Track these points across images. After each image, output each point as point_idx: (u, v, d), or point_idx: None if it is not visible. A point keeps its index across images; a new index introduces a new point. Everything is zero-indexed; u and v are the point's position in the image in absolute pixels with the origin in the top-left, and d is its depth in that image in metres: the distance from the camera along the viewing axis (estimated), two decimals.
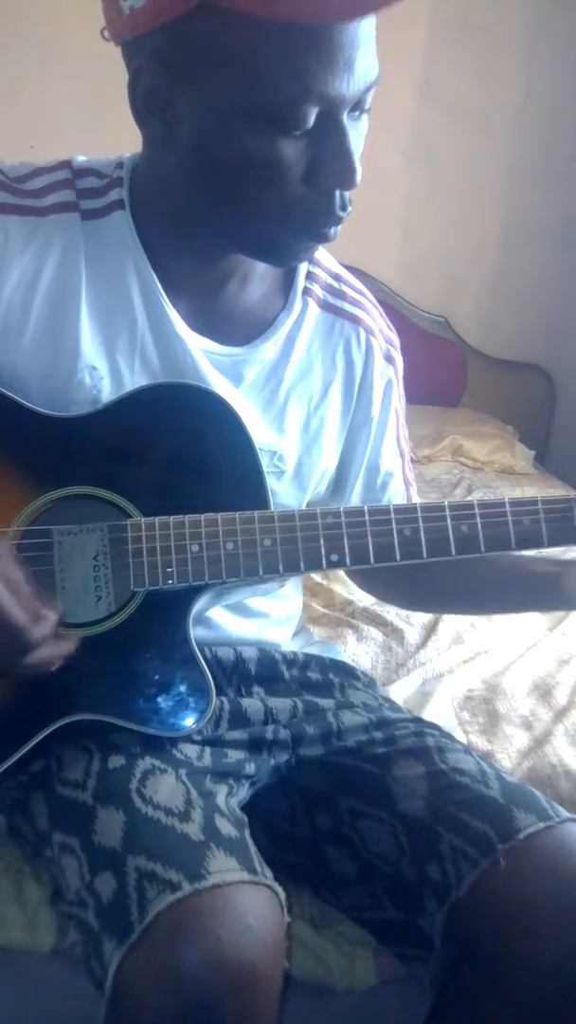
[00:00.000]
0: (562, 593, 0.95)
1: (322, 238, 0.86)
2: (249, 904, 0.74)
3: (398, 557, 0.87)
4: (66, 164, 0.92)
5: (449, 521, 0.87)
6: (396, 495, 1.10)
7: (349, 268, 1.06)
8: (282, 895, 0.77)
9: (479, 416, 2.94)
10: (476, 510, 0.87)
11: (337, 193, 0.82)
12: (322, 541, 0.86)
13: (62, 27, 2.46)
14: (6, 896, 0.98)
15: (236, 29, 0.75)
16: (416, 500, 1.12)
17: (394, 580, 1.10)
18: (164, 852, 0.76)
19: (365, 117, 0.83)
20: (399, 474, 1.10)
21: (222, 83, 0.77)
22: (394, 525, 0.87)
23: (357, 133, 0.82)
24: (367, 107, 0.82)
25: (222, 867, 0.75)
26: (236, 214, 0.84)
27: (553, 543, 0.88)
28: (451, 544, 0.87)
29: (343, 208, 0.84)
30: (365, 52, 0.78)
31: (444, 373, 2.99)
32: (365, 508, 0.87)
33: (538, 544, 0.87)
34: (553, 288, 2.96)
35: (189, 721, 0.87)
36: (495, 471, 2.69)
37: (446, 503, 0.88)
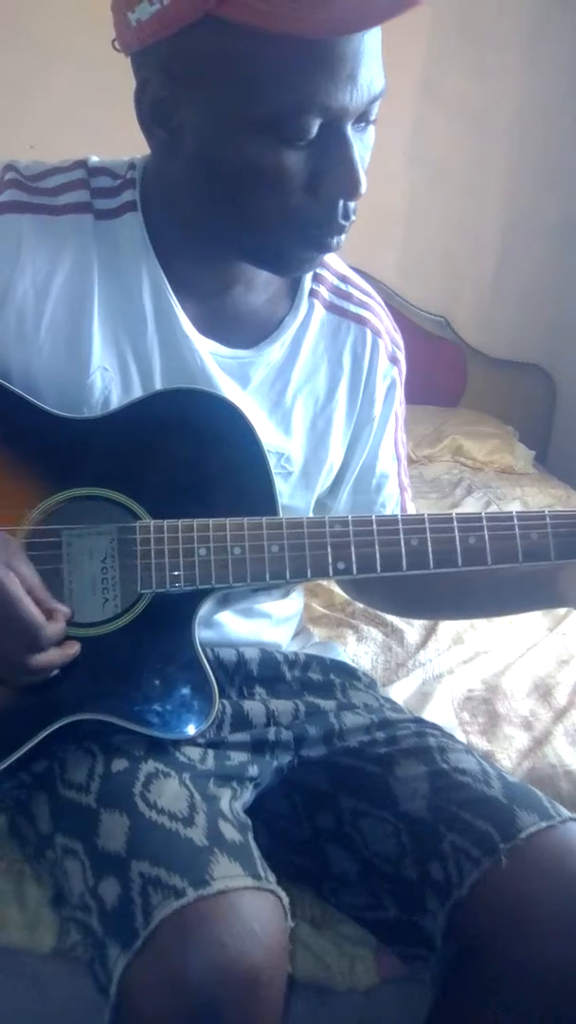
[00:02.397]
0: (558, 591, 0.95)
1: (324, 248, 0.86)
2: (253, 910, 0.74)
3: (404, 567, 0.86)
4: (81, 164, 0.92)
5: (457, 533, 0.87)
6: (390, 499, 1.09)
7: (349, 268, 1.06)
8: (286, 900, 0.78)
9: (479, 416, 2.94)
10: (484, 523, 0.87)
11: (340, 203, 0.82)
12: (329, 549, 0.86)
13: (63, 28, 2.47)
14: (6, 896, 0.98)
15: (239, 41, 0.75)
16: (411, 506, 1.12)
17: (387, 589, 1.09)
18: (168, 857, 0.76)
19: (372, 128, 0.83)
20: (394, 477, 1.09)
21: (225, 94, 0.78)
22: (401, 535, 0.87)
23: (363, 144, 0.82)
24: (373, 118, 0.82)
25: (226, 873, 0.75)
26: (239, 223, 0.85)
27: (561, 557, 0.87)
28: (458, 556, 0.86)
29: (345, 217, 0.84)
30: (369, 64, 0.78)
31: (444, 373, 2.99)
32: (373, 518, 0.87)
33: (545, 557, 0.87)
34: (553, 288, 2.96)
35: (192, 725, 0.87)
36: (495, 471, 2.69)
37: (454, 515, 0.88)
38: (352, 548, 0.86)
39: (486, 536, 0.87)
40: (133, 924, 0.73)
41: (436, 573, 0.88)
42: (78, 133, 1.97)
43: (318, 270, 1.00)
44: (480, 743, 1.31)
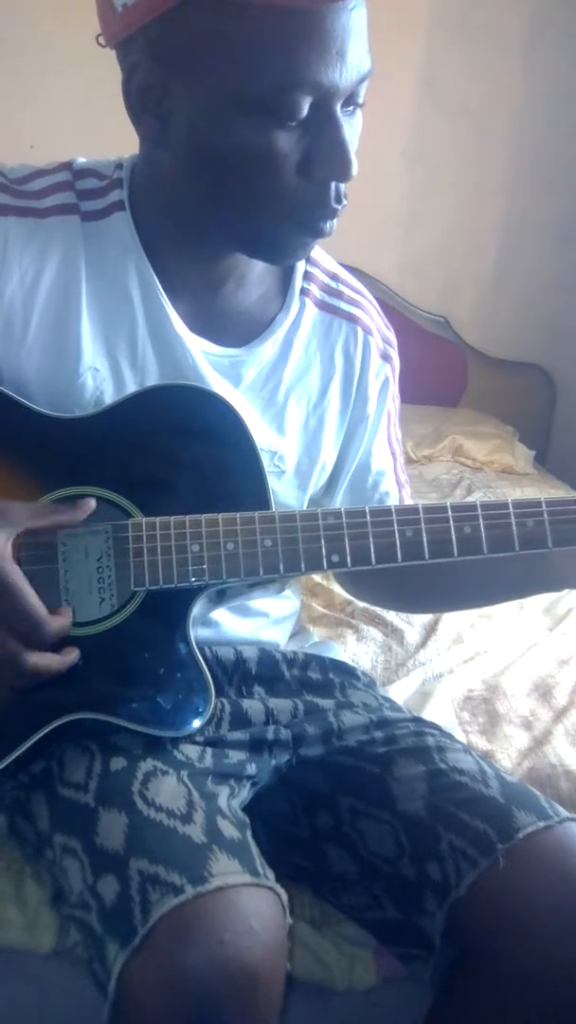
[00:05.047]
0: (556, 573, 0.94)
1: (317, 232, 0.86)
2: (252, 906, 0.74)
3: (400, 558, 0.86)
4: (66, 166, 0.92)
5: (452, 522, 0.86)
6: (388, 496, 1.09)
7: (349, 268, 1.06)
8: (284, 897, 0.78)
9: (479, 416, 2.94)
10: (479, 511, 0.86)
11: (332, 185, 0.82)
12: (323, 542, 0.86)
13: (61, 27, 2.46)
14: (6, 896, 0.98)
15: (228, 17, 0.75)
16: (409, 502, 1.12)
17: (383, 582, 1.09)
18: (166, 855, 0.76)
19: (360, 113, 0.83)
20: (390, 474, 1.09)
21: (216, 73, 0.77)
22: (396, 526, 0.86)
23: (351, 128, 0.82)
24: (360, 102, 0.82)
25: (224, 869, 0.75)
26: (232, 209, 0.84)
27: (558, 544, 0.86)
28: (453, 545, 0.86)
29: (338, 200, 0.83)
30: (357, 42, 0.78)
31: (444, 373, 2.99)
32: (367, 509, 0.87)
33: (543, 545, 0.86)
34: (553, 288, 2.96)
35: (190, 723, 0.87)
36: (495, 471, 2.69)
37: (448, 504, 0.87)
38: (346, 540, 0.86)
39: (481, 525, 0.86)
40: (132, 921, 0.73)
41: (432, 566, 0.87)
42: (78, 133, 1.97)
43: (309, 268, 1.00)
44: (480, 743, 1.31)
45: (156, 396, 0.89)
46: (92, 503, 0.85)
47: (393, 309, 2.76)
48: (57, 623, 0.81)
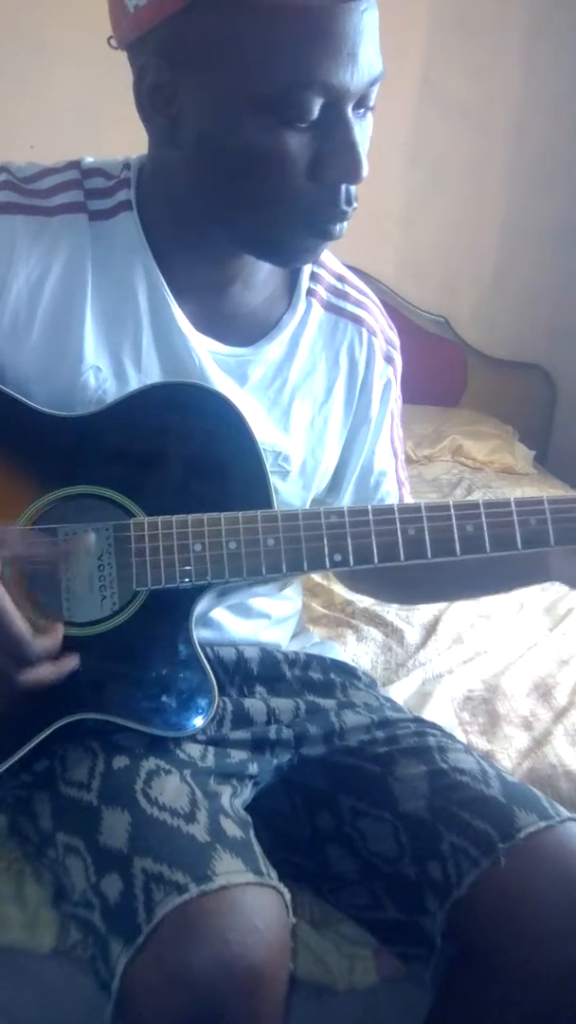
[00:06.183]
0: (546, 567, 0.94)
1: (327, 235, 0.86)
2: (255, 905, 0.74)
3: (402, 557, 0.86)
4: (75, 165, 0.92)
5: (454, 521, 0.86)
6: (388, 495, 1.09)
7: (349, 268, 1.06)
8: (287, 896, 0.78)
9: (479, 416, 2.94)
10: (481, 509, 0.86)
11: (342, 188, 0.82)
12: (325, 541, 0.86)
13: (61, 27, 2.47)
14: (6, 896, 0.98)
15: (239, 17, 0.75)
16: (408, 500, 1.12)
17: (380, 574, 1.08)
18: (170, 853, 0.76)
19: (370, 116, 0.83)
20: (392, 474, 1.09)
21: (226, 74, 0.77)
22: (398, 525, 0.86)
23: (362, 130, 0.82)
24: (372, 105, 0.82)
25: (228, 868, 0.75)
26: (240, 211, 0.84)
27: (560, 543, 0.86)
28: (456, 544, 0.86)
29: (348, 203, 0.83)
30: (368, 44, 0.78)
31: (444, 373, 3.00)
32: (369, 508, 0.86)
33: (544, 544, 0.86)
34: (553, 288, 2.96)
35: (192, 722, 0.87)
36: (495, 471, 2.70)
37: (451, 502, 0.87)
38: (348, 539, 0.85)
39: (484, 524, 0.85)
40: (136, 920, 0.73)
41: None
42: (78, 133, 1.98)
43: (315, 269, 1.00)
44: (480, 743, 1.31)
45: (157, 394, 0.89)
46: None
47: (393, 309, 2.76)
48: (43, 643, 0.80)
